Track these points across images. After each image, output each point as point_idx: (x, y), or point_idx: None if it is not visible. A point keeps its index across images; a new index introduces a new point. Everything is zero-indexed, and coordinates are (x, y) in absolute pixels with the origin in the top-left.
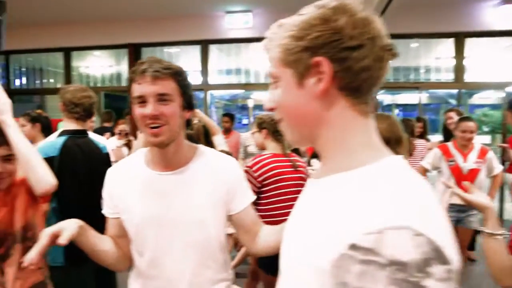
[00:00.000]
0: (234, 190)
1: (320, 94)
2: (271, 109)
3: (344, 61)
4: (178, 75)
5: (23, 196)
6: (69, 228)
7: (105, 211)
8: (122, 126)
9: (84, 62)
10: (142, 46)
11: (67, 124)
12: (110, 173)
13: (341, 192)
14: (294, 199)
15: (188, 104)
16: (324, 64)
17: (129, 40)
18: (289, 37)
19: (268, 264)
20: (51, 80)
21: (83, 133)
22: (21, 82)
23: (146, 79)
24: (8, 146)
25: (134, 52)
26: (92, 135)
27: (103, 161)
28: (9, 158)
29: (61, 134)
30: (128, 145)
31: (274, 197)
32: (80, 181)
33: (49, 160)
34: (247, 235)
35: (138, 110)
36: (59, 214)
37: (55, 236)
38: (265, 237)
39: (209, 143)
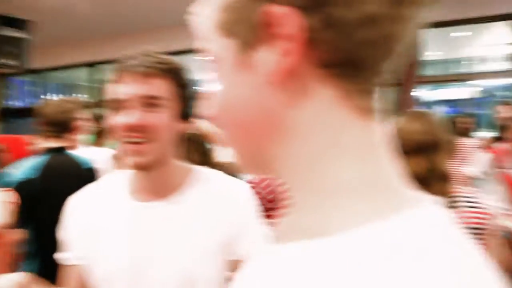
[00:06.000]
0: (242, 232)
1: (283, 77)
2: (213, 118)
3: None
4: (174, 73)
5: None
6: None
7: (66, 256)
8: None
9: None
10: None
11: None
12: (76, 202)
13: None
14: None
15: (185, 112)
16: (290, 19)
17: None
18: None
19: None
20: None
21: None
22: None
23: (131, 77)
24: None
25: None
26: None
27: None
28: None
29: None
30: None
31: None
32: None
33: None
34: None
35: (115, 119)
36: (35, 241)
37: None
38: None
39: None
